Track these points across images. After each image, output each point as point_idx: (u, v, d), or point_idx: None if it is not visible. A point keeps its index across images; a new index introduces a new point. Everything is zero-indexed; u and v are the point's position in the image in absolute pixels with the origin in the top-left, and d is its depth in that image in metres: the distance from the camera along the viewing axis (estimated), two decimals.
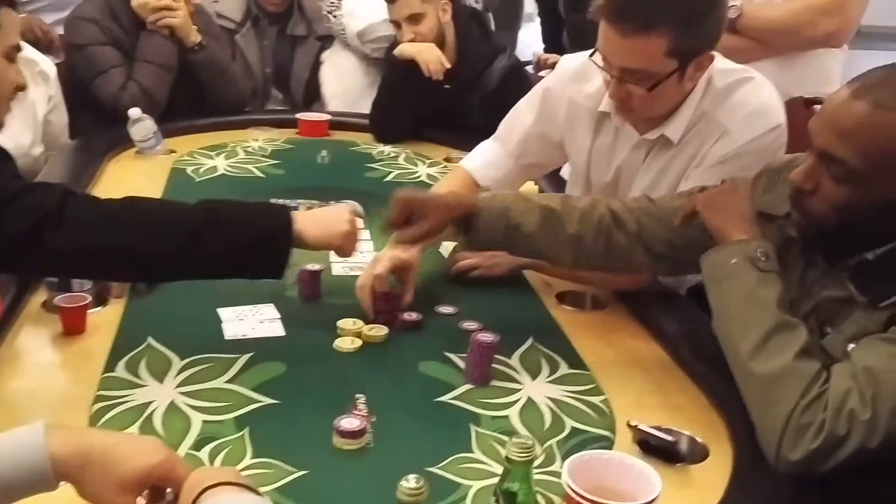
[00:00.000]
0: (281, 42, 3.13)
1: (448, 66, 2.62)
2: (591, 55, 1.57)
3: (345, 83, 3.16)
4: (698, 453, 1.21)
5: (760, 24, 2.18)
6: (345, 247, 1.48)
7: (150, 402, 1.26)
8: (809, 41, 2.20)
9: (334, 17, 3.13)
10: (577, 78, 1.73)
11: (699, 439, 1.23)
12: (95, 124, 2.67)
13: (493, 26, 3.57)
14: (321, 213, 1.54)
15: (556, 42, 3.35)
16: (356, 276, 1.74)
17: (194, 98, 2.83)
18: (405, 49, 2.64)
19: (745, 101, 1.57)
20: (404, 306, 1.57)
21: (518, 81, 2.70)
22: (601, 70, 1.56)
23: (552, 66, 3.20)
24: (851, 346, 1.14)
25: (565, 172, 2.59)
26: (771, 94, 1.60)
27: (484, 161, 1.83)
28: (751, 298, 1.20)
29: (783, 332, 1.16)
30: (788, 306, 1.20)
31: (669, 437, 1.19)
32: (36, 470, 0.90)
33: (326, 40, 3.20)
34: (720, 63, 1.59)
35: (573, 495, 0.95)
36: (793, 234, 1.28)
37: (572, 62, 1.76)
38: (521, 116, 1.82)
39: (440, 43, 2.65)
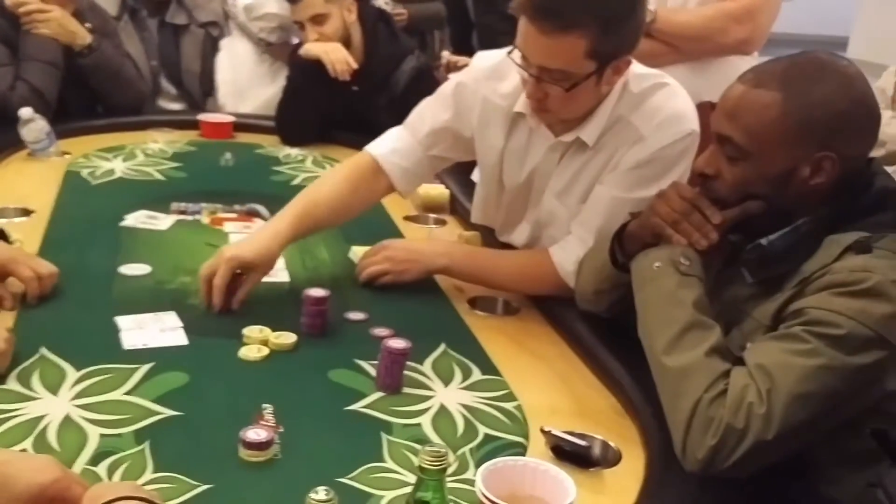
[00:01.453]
0: (162, 33, 3.04)
1: (355, 66, 2.59)
2: (510, 52, 1.56)
3: (236, 71, 3.11)
4: (611, 457, 1.22)
5: (673, 29, 2.21)
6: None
7: (44, 416, 1.19)
8: (721, 48, 2.23)
9: None
10: (493, 76, 1.71)
11: (612, 444, 1.24)
12: None
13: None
14: None
15: (464, 44, 3.35)
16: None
17: (88, 97, 2.72)
18: (311, 49, 2.60)
19: (660, 107, 1.59)
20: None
21: (427, 83, 2.68)
22: (518, 69, 1.55)
23: (461, 68, 3.22)
24: (749, 345, 1.18)
25: (475, 175, 2.60)
26: (685, 101, 1.62)
27: (392, 148, 1.79)
28: (670, 299, 1.23)
29: (696, 330, 1.19)
30: (707, 309, 1.23)
31: (582, 442, 1.20)
32: None
33: (211, 27, 3.13)
34: (636, 68, 1.60)
35: (487, 503, 0.94)
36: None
37: (487, 59, 1.74)
38: (432, 108, 1.78)
39: (346, 44, 2.63)
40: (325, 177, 1.81)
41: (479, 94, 1.72)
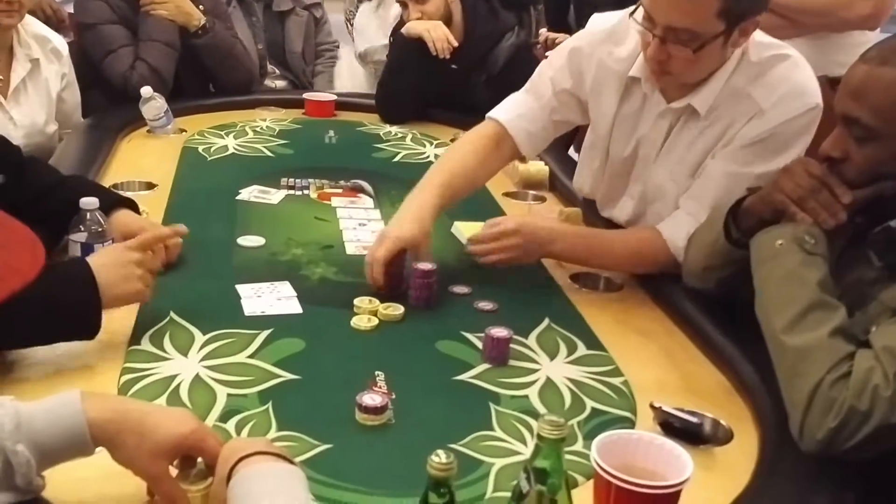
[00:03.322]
0: (269, 18, 3.15)
1: (455, 44, 2.61)
2: (632, 13, 1.52)
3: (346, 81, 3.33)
4: (722, 435, 1.20)
5: (794, 3, 2.12)
6: (141, 299, 1.36)
7: (176, 375, 1.27)
8: (844, 23, 2.16)
9: (350, 24, 3.39)
10: (609, 39, 1.68)
11: (723, 421, 1.23)
12: (105, 103, 2.67)
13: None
14: (112, 267, 1.31)
15: (561, 21, 3.34)
16: None
17: (201, 77, 2.84)
18: (413, 27, 2.64)
19: (782, 80, 1.54)
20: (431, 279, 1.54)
21: (525, 60, 2.68)
22: (639, 30, 1.52)
23: (560, 45, 3.23)
24: (874, 328, 1.15)
25: (573, 152, 2.58)
26: (808, 74, 1.56)
27: (518, 114, 1.77)
28: (792, 277, 1.21)
29: (820, 309, 1.17)
30: (831, 289, 1.20)
31: (693, 419, 1.18)
32: (74, 435, 0.91)
33: (314, 8, 3.26)
34: (756, 36, 1.55)
35: (603, 474, 0.95)
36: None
37: (604, 21, 1.71)
38: (553, 72, 1.76)
39: (447, 22, 2.65)
40: (452, 148, 1.82)
41: (594, 58, 1.69)
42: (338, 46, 3.47)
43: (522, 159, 1.84)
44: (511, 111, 1.77)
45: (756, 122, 1.54)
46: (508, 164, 1.87)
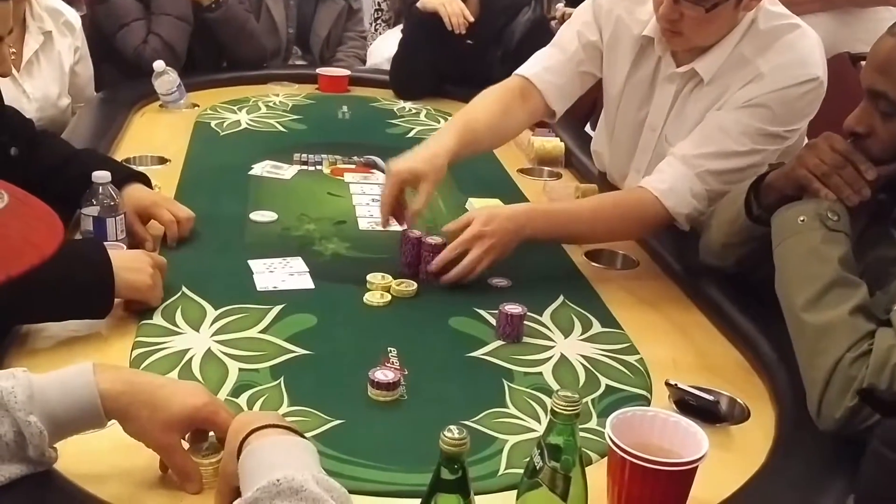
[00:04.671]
0: (305, 0, 3.13)
1: (471, 19, 2.59)
2: None
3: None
4: (738, 414, 1.19)
5: None
6: (149, 299, 1.34)
7: (188, 350, 1.26)
8: None
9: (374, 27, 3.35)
10: None
11: (739, 400, 1.22)
12: (118, 76, 2.67)
13: None
14: (124, 256, 1.35)
15: None
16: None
17: (213, 52, 2.83)
18: (428, 1, 2.61)
19: (786, 48, 1.52)
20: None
21: (542, 36, 2.65)
22: None
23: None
24: (895, 307, 1.12)
25: (589, 129, 2.56)
26: (814, 46, 1.54)
27: (544, 67, 1.75)
28: (813, 254, 1.19)
29: (841, 287, 1.15)
30: (853, 267, 1.19)
31: (709, 397, 1.17)
32: (86, 406, 0.91)
33: None
34: (768, 4, 1.54)
35: (617, 451, 0.94)
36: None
37: None
38: (578, 25, 1.75)
39: None
40: (475, 101, 1.77)
41: (613, 14, 1.69)
42: (364, 38, 3.42)
43: (553, 115, 1.80)
44: (536, 65, 1.76)
45: (752, 86, 1.53)
46: (533, 120, 1.85)
